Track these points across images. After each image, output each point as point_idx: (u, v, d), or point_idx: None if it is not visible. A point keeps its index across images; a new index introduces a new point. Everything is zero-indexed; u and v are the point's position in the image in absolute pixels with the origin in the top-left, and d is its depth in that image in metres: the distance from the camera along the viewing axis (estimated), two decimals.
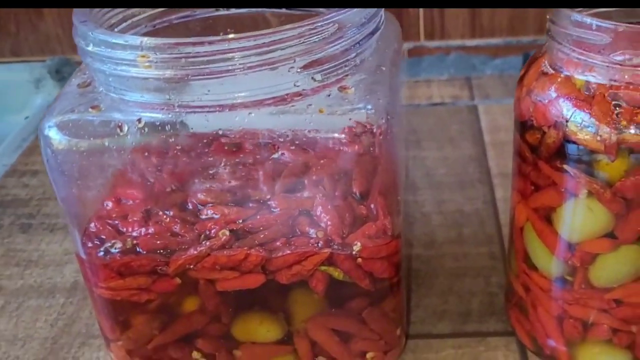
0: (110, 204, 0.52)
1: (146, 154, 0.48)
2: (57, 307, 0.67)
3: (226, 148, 0.47)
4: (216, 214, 0.51)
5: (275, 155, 0.47)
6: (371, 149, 0.47)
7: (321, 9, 0.57)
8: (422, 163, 0.84)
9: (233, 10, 0.59)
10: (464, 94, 0.99)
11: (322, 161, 0.49)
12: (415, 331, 0.62)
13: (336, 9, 0.47)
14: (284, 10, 0.59)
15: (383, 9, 0.51)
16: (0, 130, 0.98)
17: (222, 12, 0.59)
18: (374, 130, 0.46)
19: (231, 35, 0.44)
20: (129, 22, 0.54)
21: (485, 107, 0.95)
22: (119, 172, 0.50)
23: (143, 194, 0.52)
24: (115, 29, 0.53)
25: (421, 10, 0.99)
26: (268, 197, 0.50)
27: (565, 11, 0.47)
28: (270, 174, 0.50)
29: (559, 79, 0.49)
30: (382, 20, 0.51)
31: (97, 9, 0.51)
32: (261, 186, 0.50)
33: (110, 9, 0.53)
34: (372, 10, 0.49)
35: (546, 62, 0.50)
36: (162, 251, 0.50)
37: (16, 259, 0.74)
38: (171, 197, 0.51)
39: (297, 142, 0.46)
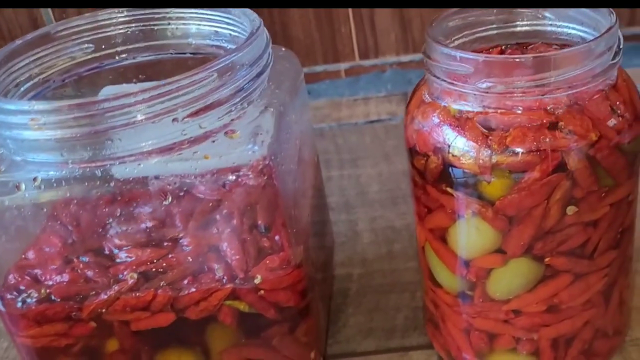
0: (31, 254, 0.54)
1: (57, 209, 0.51)
2: (0, 351, 0.70)
3: (119, 199, 0.49)
4: (130, 257, 0.53)
5: (166, 202, 0.49)
6: (269, 184, 0.50)
7: (221, 51, 0.59)
8: (357, 181, 0.87)
9: (140, 59, 0.62)
10: (401, 109, 1.01)
11: (223, 199, 0.51)
12: (340, 350, 0.64)
13: (223, 55, 0.50)
14: (188, 54, 0.61)
15: (269, 51, 0.54)
16: None
17: (130, 60, 0.62)
18: (261, 169, 0.49)
19: (114, 94, 0.46)
20: (37, 79, 0.57)
21: None
22: (41, 225, 0.53)
23: (61, 244, 0.54)
24: (22, 87, 0.56)
25: (353, 29, 1.01)
26: (181, 235, 0.53)
27: (434, 44, 0.50)
28: (179, 214, 0.52)
29: (437, 108, 0.51)
30: (268, 62, 0.53)
31: (2, 70, 0.54)
32: (170, 225, 0.53)
33: (15, 69, 0.55)
34: (257, 54, 0.52)
35: (425, 92, 0.53)
36: (75, 297, 0.52)
37: None
38: (88, 243, 0.54)
39: (185, 188, 0.49)
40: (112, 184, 0.48)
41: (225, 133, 0.50)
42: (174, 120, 0.47)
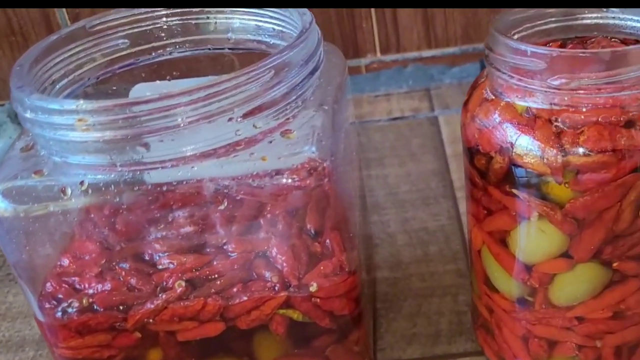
0: (65, 261, 0.51)
1: (94, 212, 0.48)
2: None
3: (172, 203, 0.47)
4: (173, 263, 0.50)
5: (222, 207, 0.46)
6: (319, 186, 0.47)
7: (269, 48, 0.57)
8: (385, 181, 0.84)
9: (175, 54, 0.59)
10: (424, 105, 0.99)
11: (273, 202, 0.48)
12: (385, 358, 0.62)
13: (278, 51, 0.47)
14: (226, 50, 0.59)
15: (322, 47, 0.51)
16: None
17: (166, 56, 0.59)
18: (320, 171, 0.46)
19: (167, 92, 0.43)
20: (71, 77, 0.54)
21: (446, 117, 0.95)
22: (74, 230, 0.50)
23: (98, 249, 0.51)
24: (57, 85, 0.53)
25: (375, 25, 0.99)
26: (224, 241, 0.50)
27: (501, 38, 0.47)
28: (225, 218, 0.49)
29: (501, 105, 0.49)
30: (321, 59, 0.51)
31: (39, 67, 0.51)
32: (217, 230, 0.50)
33: (51, 66, 0.52)
34: (310, 50, 0.49)
35: (487, 88, 0.50)
36: (119, 307, 0.49)
37: None
38: (126, 249, 0.51)
39: (242, 191, 0.46)
40: (163, 188, 0.45)
41: (282, 133, 0.47)
42: (229, 119, 0.45)
